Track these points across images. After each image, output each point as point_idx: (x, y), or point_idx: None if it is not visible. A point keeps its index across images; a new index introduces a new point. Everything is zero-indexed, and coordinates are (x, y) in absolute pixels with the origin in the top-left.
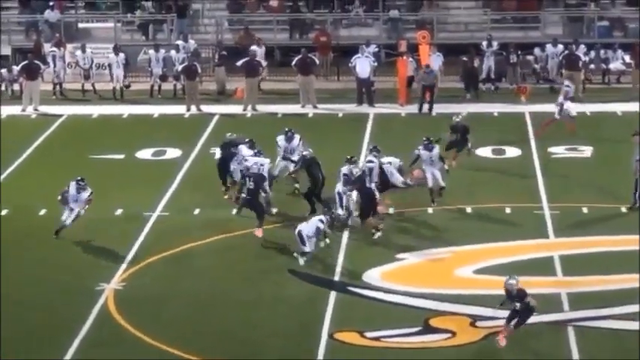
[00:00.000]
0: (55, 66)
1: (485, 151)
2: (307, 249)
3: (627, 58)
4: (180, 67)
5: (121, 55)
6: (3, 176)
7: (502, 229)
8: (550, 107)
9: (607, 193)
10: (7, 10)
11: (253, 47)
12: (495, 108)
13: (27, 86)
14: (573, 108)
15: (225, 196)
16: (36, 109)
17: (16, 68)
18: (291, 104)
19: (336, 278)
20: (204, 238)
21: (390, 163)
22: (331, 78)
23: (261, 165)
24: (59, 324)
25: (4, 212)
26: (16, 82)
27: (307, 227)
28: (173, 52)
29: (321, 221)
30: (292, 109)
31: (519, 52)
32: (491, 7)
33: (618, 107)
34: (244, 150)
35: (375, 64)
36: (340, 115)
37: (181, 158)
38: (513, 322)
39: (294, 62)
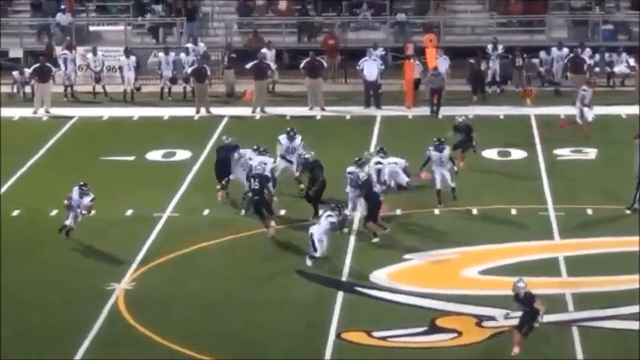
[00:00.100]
0: (66, 69)
1: (491, 153)
2: (317, 254)
3: (632, 62)
4: (189, 70)
5: (132, 58)
6: (15, 177)
7: (508, 231)
8: (555, 110)
9: (611, 195)
10: (19, 13)
11: (264, 50)
12: (501, 110)
13: (39, 88)
14: (590, 113)
15: (219, 197)
16: (47, 111)
17: (28, 71)
18: (299, 106)
19: (344, 279)
20: (213, 238)
21: (395, 163)
22: (339, 80)
23: (264, 164)
24: (71, 323)
25: (15, 213)
26: (28, 85)
27: (318, 230)
28: (183, 55)
29: (330, 216)
30: (300, 112)
31: (525, 55)
32: (498, 10)
33: (622, 110)
34: (249, 152)
35: (383, 66)
36: (348, 117)
37: (191, 160)
38: (525, 329)
39: (302, 65)
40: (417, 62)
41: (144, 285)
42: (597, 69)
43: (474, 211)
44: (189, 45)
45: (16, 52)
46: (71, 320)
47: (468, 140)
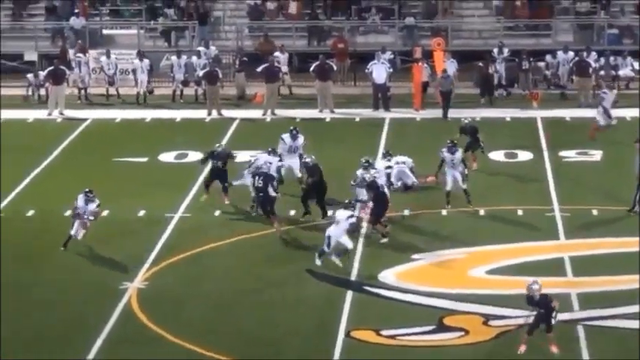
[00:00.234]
0: (80, 71)
1: (498, 155)
2: (334, 258)
3: (636, 65)
4: (201, 73)
5: (146, 61)
6: (29, 178)
7: (514, 231)
8: (561, 112)
9: (616, 196)
10: (34, 17)
11: (276, 53)
12: (508, 113)
13: (53, 91)
14: (603, 116)
15: (203, 199)
16: (61, 113)
17: (42, 73)
18: (309, 109)
19: (353, 278)
20: (225, 238)
21: (403, 162)
22: (348, 83)
23: (270, 163)
24: (84, 322)
25: (30, 213)
26: (43, 87)
27: (336, 231)
28: (195, 58)
29: (352, 216)
30: (310, 114)
31: (531, 59)
32: (505, 14)
33: (627, 113)
34: (261, 156)
35: (391, 70)
36: (357, 119)
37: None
38: (545, 328)
39: (312, 68)
40: (425, 65)
41: (156, 284)
42: (602, 72)
43: (482, 212)
44: (201, 48)
45: (30, 56)
46: (84, 319)
47: (475, 141)
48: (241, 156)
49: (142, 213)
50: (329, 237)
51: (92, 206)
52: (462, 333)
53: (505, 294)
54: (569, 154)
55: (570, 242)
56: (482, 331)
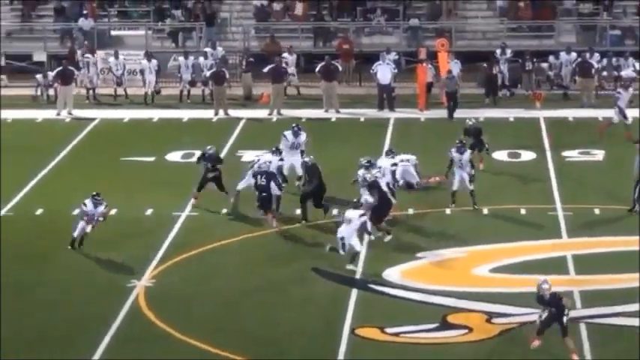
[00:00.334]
0: (88, 72)
1: (501, 155)
2: (342, 252)
3: (638, 66)
4: (208, 73)
5: (154, 62)
6: (38, 178)
7: (517, 230)
8: (564, 112)
9: (618, 195)
10: (42, 18)
11: (285, 54)
12: (511, 113)
13: (61, 91)
14: (618, 116)
15: (194, 201)
16: (70, 113)
17: (51, 74)
18: (314, 109)
19: (358, 277)
20: (231, 237)
21: (408, 160)
22: (353, 84)
23: (270, 162)
24: (92, 319)
25: (38, 212)
26: (51, 88)
27: (348, 230)
28: (202, 59)
29: (364, 215)
30: (316, 114)
31: (534, 60)
32: (508, 16)
33: (629, 113)
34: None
35: (396, 70)
36: (362, 119)
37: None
38: (560, 331)
39: (317, 69)
40: (430, 66)
41: (164, 282)
42: (605, 73)
43: (485, 211)
44: (208, 49)
45: (39, 56)
46: (92, 317)
47: (479, 142)
48: (247, 156)
49: (149, 212)
50: (342, 238)
51: (100, 209)
52: (466, 330)
53: (508, 292)
54: (572, 154)
55: (573, 241)
56: (486, 329)
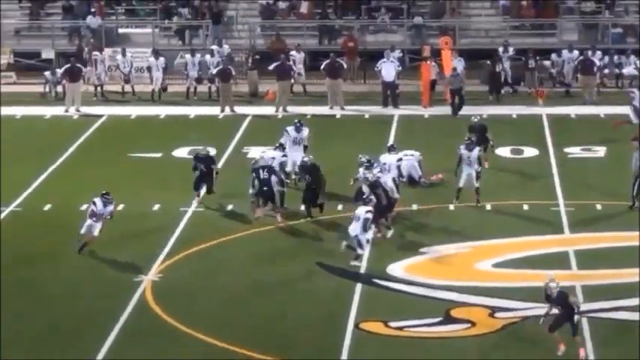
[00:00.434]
0: (96, 69)
1: (504, 151)
2: (361, 251)
3: (639, 63)
4: (215, 71)
5: (161, 59)
6: (46, 173)
7: (520, 225)
8: (566, 110)
9: (619, 191)
10: (51, 15)
11: (293, 52)
12: (514, 110)
13: (69, 88)
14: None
15: (196, 202)
16: (78, 110)
17: (59, 71)
18: (320, 106)
19: (362, 271)
20: (237, 232)
21: (412, 155)
22: (358, 81)
23: (272, 158)
24: (99, 313)
25: (47, 207)
26: (60, 85)
27: (357, 227)
28: (208, 57)
29: (369, 211)
30: (321, 111)
31: (537, 58)
32: (511, 14)
33: (630, 110)
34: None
35: (400, 68)
36: (366, 116)
37: (215, 157)
38: (571, 330)
39: (322, 66)
40: (433, 64)
41: (170, 277)
42: (606, 71)
43: (488, 207)
44: (214, 47)
45: (48, 53)
46: (100, 311)
47: (484, 139)
48: (253, 152)
49: (156, 207)
50: (356, 236)
51: (110, 208)
52: (469, 325)
53: (511, 287)
54: (574, 151)
55: (575, 236)
56: (489, 323)
